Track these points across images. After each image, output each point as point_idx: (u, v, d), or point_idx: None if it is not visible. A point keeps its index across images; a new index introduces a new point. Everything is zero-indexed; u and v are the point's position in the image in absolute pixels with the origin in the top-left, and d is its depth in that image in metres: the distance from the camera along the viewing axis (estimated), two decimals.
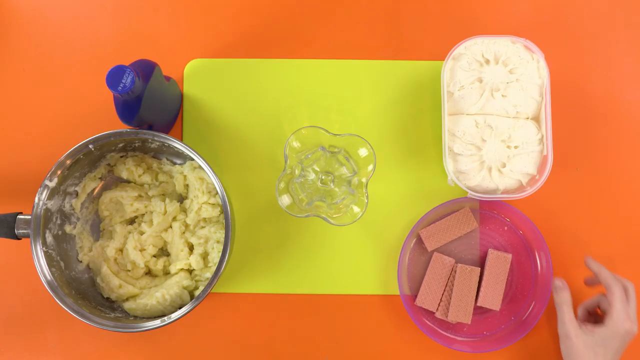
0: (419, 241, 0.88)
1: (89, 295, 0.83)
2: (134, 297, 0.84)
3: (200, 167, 0.83)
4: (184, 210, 0.87)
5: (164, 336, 0.87)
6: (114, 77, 0.70)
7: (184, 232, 0.85)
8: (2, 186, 0.90)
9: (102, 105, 0.89)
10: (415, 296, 0.87)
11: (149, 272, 0.87)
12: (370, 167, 0.81)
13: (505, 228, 0.89)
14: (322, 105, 0.91)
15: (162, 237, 0.86)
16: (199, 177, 0.84)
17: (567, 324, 0.77)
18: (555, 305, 0.80)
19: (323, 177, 0.83)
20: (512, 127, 0.83)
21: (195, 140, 0.90)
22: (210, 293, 0.79)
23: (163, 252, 0.88)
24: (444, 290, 0.86)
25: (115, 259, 0.85)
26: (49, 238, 0.80)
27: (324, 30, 0.93)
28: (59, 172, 0.79)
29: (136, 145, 0.84)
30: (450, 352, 0.86)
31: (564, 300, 0.79)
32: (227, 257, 0.77)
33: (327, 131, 0.81)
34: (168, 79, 0.86)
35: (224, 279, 0.88)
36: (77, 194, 0.85)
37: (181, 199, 0.88)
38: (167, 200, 0.86)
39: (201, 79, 0.91)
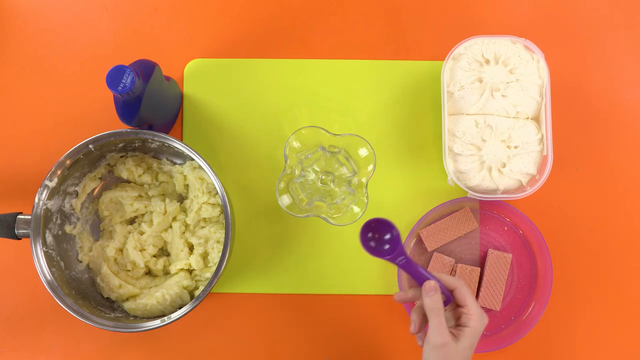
0: (419, 241, 0.88)
1: (89, 295, 0.83)
2: (134, 297, 0.84)
3: (200, 167, 0.83)
4: (184, 210, 0.87)
5: (164, 336, 0.87)
6: (114, 77, 0.70)
7: (184, 232, 0.85)
8: (2, 186, 0.90)
9: (102, 105, 0.89)
10: None
11: (149, 272, 0.87)
12: (370, 167, 0.82)
13: (505, 228, 0.89)
14: (322, 105, 0.91)
15: (162, 237, 0.86)
16: (199, 177, 0.84)
17: (444, 330, 0.67)
18: (426, 310, 0.68)
19: (323, 177, 0.83)
20: (512, 127, 0.83)
21: (195, 140, 0.90)
22: (210, 293, 0.79)
23: (163, 252, 0.88)
24: None
25: (115, 259, 0.85)
26: (49, 238, 0.80)
27: (324, 30, 0.93)
28: (59, 172, 0.79)
29: (136, 145, 0.84)
30: None
31: (439, 303, 0.68)
32: (227, 257, 0.77)
33: (327, 131, 0.81)
34: (168, 79, 0.86)
35: (224, 279, 0.88)
36: (77, 194, 0.85)
37: (181, 199, 0.88)
38: (167, 200, 0.86)
39: (201, 79, 0.91)
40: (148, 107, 0.77)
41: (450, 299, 0.70)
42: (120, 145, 0.83)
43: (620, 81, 0.92)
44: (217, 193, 0.84)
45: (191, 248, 0.86)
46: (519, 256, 0.88)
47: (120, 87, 0.70)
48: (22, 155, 0.90)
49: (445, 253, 0.87)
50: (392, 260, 0.71)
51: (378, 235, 0.71)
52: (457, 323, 0.70)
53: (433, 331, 0.67)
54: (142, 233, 0.86)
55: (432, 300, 0.68)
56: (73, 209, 0.85)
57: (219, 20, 0.93)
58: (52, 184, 0.79)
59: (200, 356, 0.87)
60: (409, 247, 0.88)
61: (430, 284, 0.69)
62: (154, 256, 0.86)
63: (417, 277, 0.70)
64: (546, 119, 0.83)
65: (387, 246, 0.71)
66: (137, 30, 0.93)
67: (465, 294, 0.69)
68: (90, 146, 0.79)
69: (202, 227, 0.85)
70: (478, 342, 0.86)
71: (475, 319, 0.68)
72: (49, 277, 0.77)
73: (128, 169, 0.86)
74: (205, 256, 0.85)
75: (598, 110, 0.91)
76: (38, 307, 0.88)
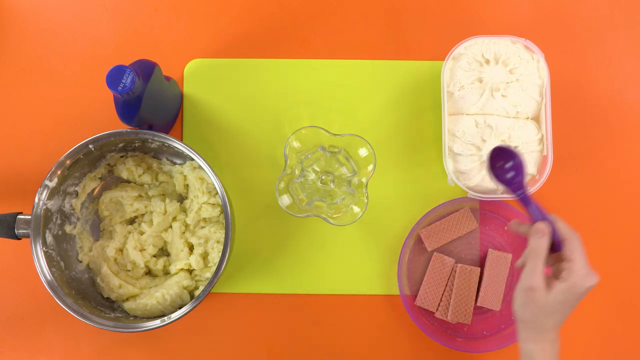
0: (419, 241, 0.88)
1: (89, 295, 0.83)
2: (134, 297, 0.84)
3: (200, 167, 0.83)
4: (184, 210, 0.87)
5: (164, 336, 0.87)
6: (114, 77, 0.70)
7: (184, 232, 0.85)
8: (2, 186, 0.90)
9: (102, 105, 0.89)
10: (415, 296, 0.87)
11: (149, 272, 0.87)
12: (370, 167, 0.82)
13: (505, 228, 0.89)
14: (322, 105, 0.91)
15: (162, 237, 0.86)
16: (199, 177, 0.84)
17: (537, 275, 0.66)
18: (527, 251, 0.68)
19: (323, 177, 0.83)
20: (512, 127, 0.83)
21: (195, 140, 0.90)
22: (210, 293, 0.79)
23: (163, 252, 0.88)
24: (444, 290, 0.86)
25: (115, 259, 0.85)
26: (49, 238, 0.80)
27: (324, 30, 0.93)
28: (59, 172, 0.79)
29: (136, 145, 0.84)
30: (450, 352, 0.86)
31: (542, 248, 0.67)
32: (227, 257, 0.77)
33: (327, 131, 0.81)
34: (168, 79, 0.86)
35: (224, 279, 0.88)
36: (77, 194, 0.85)
37: (181, 199, 0.88)
38: (167, 200, 0.86)
39: (201, 79, 0.91)
40: (148, 107, 0.77)
41: (559, 248, 0.68)
42: (120, 145, 0.83)
43: (620, 81, 0.92)
44: (217, 193, 0.84)
45: (191, 248, 0.86)
46: (519, 256, 0.88)
47: (120, 87, 0.70)
48: (22, 155, 0.90)
49: (445, 253, 0.87)
50: (513, 191, 0.71)
51: (504, 164, 0.72)
52: (558, 275, 0.67)
53: (526, 273, 0.67)
54: (142, 233, 0.86)
55: (536, 242, 0.67)
56: (73, 209, 0.85)
57: (219, 20, 0.93)
58: (52, 184, 0.79)
59: (200, 356, 0.87)
60: (409, 246, 0.88)
61: (539, 226, 0.68)
62: (154, 256, 0.86)
63: (533, 214, 0.69)
64: (546, 119, 0.83)
65: (510, 175, 0.71)
66: (137, 30, 0.93)
67: (574, 249, 0.66)
68: (90, 146, 0.79)
69: (202, 227, 0.85)
70: (478, 342, 0.86)
71: (577, 276, 0.65)
72: (49, 277, 0.77)
73: (128, 169, 0.86)
74: (205, 256, 0.85)
75: (598, 110, 0.91)
76: (38, 307, 0.88)
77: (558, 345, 0.68)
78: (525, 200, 0.70)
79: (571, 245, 0.67)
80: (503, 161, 0.72)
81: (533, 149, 0.83)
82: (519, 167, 0.71)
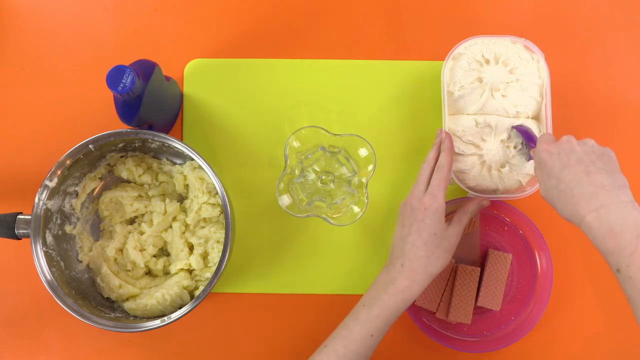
0: None
1: (89, 295, 0.83)
2: (134, 297, 0.84)
3: (200, 167, 0.83)
4: (184, 210, 0.87)
5: (164, 336, 0.87)
6: (114, 77, 0.70)
7: (184, 232, 0.86)
8: (2, 186, 0.90)
9: (102, 105, 0.89)
10: None
11: (149, 272, 0.87)
12: (370, 167, 0.82)
13: (505, 228, 0.89)
14: (322, 105, 0.91)
15: (162, 237, 0.86)
16: (199, 177, 0.84)
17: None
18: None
19: (323, 177, 0.83)
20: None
21: (195, 140, 0.90)
22: (210, 293, 0.79)
23: (163, 252, 0.88)
24: (444, 290, 0.86)
25: (115, 259, 0.85)
26: (49, 238, 0.80)
27: (324, 30, 0.93)
28: (59, 172, 0.79)
29: (136, 145, 0.84)
30: (450, 352, 0.86)
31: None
32: (227, 257, 0.77)
33: (327, 131, 0.82)
34: (168, 79, 0.86)
35: (224, 279, 0.88)
36: (77, 194, 0.85)
37: (181, 199, 0.88)
38: (167, 200, 0.86)
39: (201, 79, 0.91)
40: (148, 107, 0.77)
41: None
42: (120, 145, 0.83)
43: (620, 81, 0.92)
44: (217, 193, 0.84)
45: (191, 248, 0.86)
46: (519, 256, 0.88)
47: (120, 87, 0.70)
48: (22, 155, 0.90)
49: None
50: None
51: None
52: None
53: None
54: (142, 233, 0.86)
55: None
56: (73, 209, 0.85)
57: (219, 20, 0.93)
58: (52, 184, 0.79)
59: (200, 356, 0.87)
60: None
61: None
62: (154, 256, 0.86)
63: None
64: (546, 119, 0.84)
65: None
66: (137, 30, 0.93)
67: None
68: (90, 146, 0.79)
69: (202, 227, 0.85)
70: (478, 342, 0.86)
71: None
72: (49, 277, 0.77)
73: (128, 169, 0.86)
74: (205, 256, 0.85)
75: (598, 111, 0.91)
76: (38, 307, 0.88)
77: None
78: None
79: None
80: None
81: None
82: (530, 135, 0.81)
